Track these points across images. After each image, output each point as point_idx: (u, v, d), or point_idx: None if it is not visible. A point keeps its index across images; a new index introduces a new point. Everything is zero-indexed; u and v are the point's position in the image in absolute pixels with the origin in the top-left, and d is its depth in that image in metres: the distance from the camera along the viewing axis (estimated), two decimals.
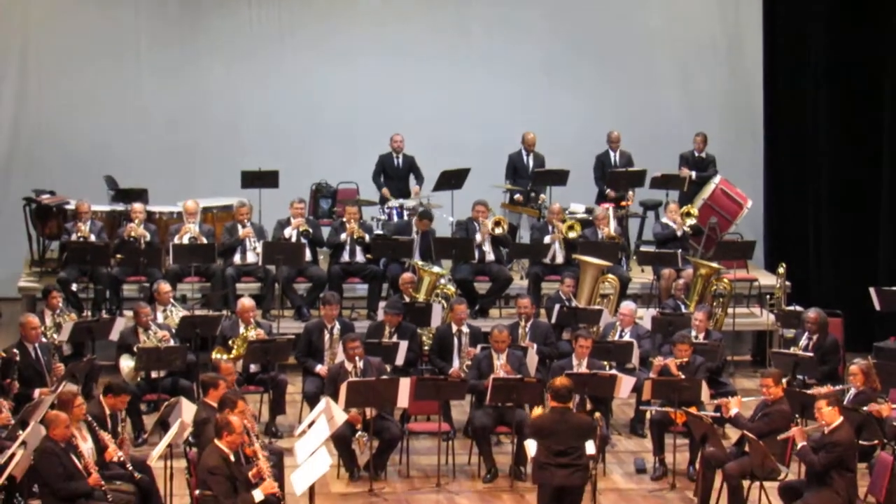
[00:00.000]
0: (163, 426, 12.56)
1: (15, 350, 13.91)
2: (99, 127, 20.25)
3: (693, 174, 19.33)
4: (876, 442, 12.98)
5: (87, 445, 11.78)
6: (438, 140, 19.97)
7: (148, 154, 20.17)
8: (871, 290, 16.47)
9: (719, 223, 18.76)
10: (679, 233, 17.94)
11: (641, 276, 18.33)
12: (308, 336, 15.21)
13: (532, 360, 14.89)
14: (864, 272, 18.10)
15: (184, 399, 12.68)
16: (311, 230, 17.34)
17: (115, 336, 15.26)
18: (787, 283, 17.78)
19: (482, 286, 17.55)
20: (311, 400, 14.35)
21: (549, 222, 17.82)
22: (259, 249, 17.07)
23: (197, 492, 11.40)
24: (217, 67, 20.72)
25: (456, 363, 15.16)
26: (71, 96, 20.34)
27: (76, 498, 11.31)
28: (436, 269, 16.87)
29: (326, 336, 15.15)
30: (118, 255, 17.00)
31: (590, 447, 11.69)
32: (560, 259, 17.66)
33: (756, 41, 20.42)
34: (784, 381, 13.46)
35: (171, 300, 16.04)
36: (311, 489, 11.46)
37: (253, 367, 15.00)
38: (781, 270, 17.65)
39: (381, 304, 16.36)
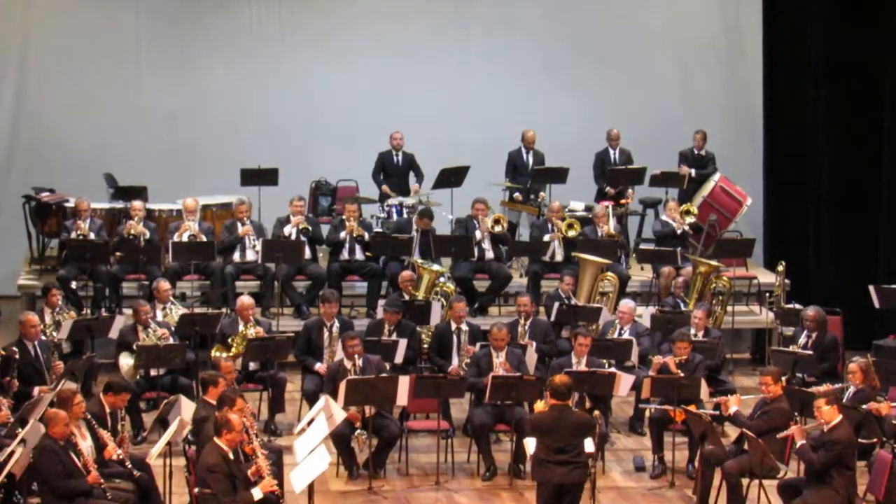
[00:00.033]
0: (162, 424, 12.56)
1: (14, 348, 13.92)
2: (98, 125, 20.25)
3: (692, 172, 19.32)
4: (875, 440, 12.97)
5: (86, 443, 11.78)
6: (438, 138, 19.96)
7: (147, 152, 20.17)
8: (871, 288, 16.48)
9: (719, 221, 18.76)
10: (679, 231, 17.94)
11: (641, 274, 18.33)
12: (307, 334, 15.21)
13: (531, 358, 14.89)
14: (863, 270, 18.10)
15: (183, 397, 12.69)
16: (310, 228, 17.35)
17: (114, 334, 15.26)
18: (787, 280, 17.78)
19: (481, 284, 17.55)
20: (311, 398, 14.36)
21: (548, 220, 17.82)
22: (258, 247, 17.07)
23: (196, 490, 11.40)
24: (217, 66, 20.72)
25: (455, 361, 15.16)
26: (71, 94, 20.34)
27: (75, 496, 11.31)
28: (435, 266, 16.88)
29: (326, 334, 15.15)
30: (118, 253, 17.01)
31: (589, 445, 11.69)
32: (559, 257, 17.66)
33: (756, 39, 20.41)
34: (783, 379, 13.45)
35: (171, 298, 16.04)
36: (311, 487, 11.45)
37: (252, 365, 15.01)
38: (781, 268, 17.64)
39: (381, 301, 16.37)
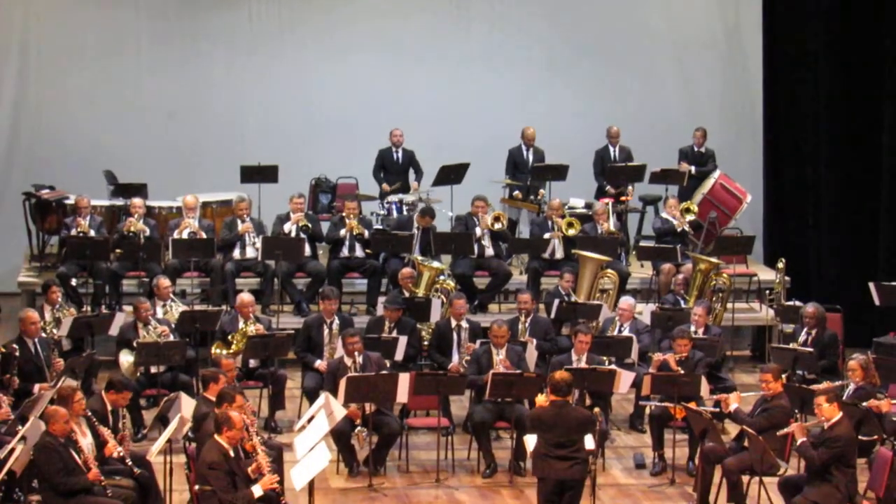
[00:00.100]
0: (162, 421, 12.58)
1: (14, 345, 13.91)
2: (99, 122, 20.25)
3: (692, 169, 19.33)
4: (875, 437, 12.96)
5: (86, 441, 11.78)
6: (438, 135, 19.97)
7: (147, 149, 20.16)
8: (871, 285, 16.48)
9: (719, 218, 18.76)
10: (679, 229, 17.93)
11: (641, 272, 18.34)
12: (307, 331, 15.22)
13: (532, 355, 14.89)
14: (863, 267, 18.10)
15: (183, 394, 12.70)
16: (310, 225, 17.34)
17: (114, 331, 15.26)
18: (787, 278, 17.79)
19: (481, 281, 17.55)
20: (311, 395, 14.36)
21: (548, 218, 17.81)
22: (258, 244, 17.07)
23: (196, 487, 11.39)
24: (217, 63, 20.71)
25: (455, 358, 15.16)
26: (71, 92, 20.34)
27: (76, 493, 11.31)
28: (435, 264, 16.87)
29: (326, 331, 15.15)
30: (118, 250, 17.00)
31: (589, 442, 11.69)
32: (559, 254, 17.65)
33: (756, 36, 20.40)
34: (783, 376, 13.46)
35: (171, 295, 16.04)
36: (311, 484, 11.45)
37: (252, 363, 15.02)
38: (781, 265, 17.64)
39: (381, 299, 16.37)
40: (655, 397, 13.96)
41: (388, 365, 14.39)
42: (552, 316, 16.06)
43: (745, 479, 12.52)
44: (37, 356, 14.10)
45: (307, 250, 17.24)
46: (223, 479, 11.11)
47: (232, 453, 11.28)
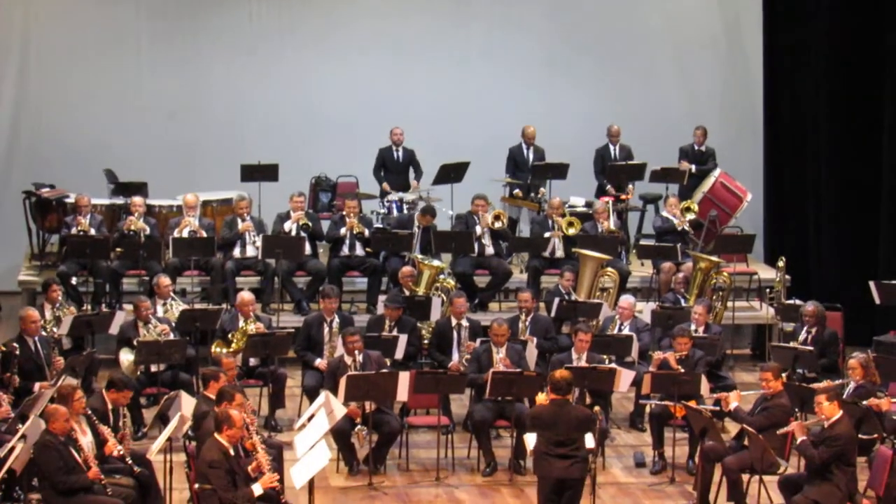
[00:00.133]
0: (162, 420, 12.59)
1: (15, 344, 13.91)
2: (99, 121, 20.25)
3: (693, 167, 19.33)
4: (875, 436, 12.96)
5: (86, 439, 11.78)
6: (438, 134, 19.96)
7: (148, 148, 20.16)
8: (871, 284, 16.48)
9: (719, 217, 18.76)
10: (679, 228, 17.92)
11: (641, 270, 18.34)
12: (307, 330, 15.22)
13: (532, 353, 14.90)
14: (863, 266, 18.09)
15: (183, 393, 12.70)
16: (310, 224, 17.34)
17: (114, 330, 15.26)
18: (787, 276, 17.79)
19: (482, 280, 17.56)
20: (311, 394, 14.36)
21: (548, 217, 17.81)
22: (259, 243, 17.07)
23: (196, 486, 11.39)
24: (217, 62, 20.71)
25: (455, 357, 15.17)
26: (72, 91, 20.34)
27: (76, 491, 11.32)
28: (435, 262, 16.87)
29: (326, 329, 15.15)
30: (118, 249, 17.00)
31: (589, 441, 11.69)
32: (560, 253, 17.65)
33: (756, 34, 20.41)
34: (784, 374, 13.46)
35: (171, 294, 16.04)
36: (311, 483, 11.45)
37: (252, 361, 15.02)
38: (781, 264, 17.65)
39: (381, 297, 16.37)
40: (655, 396, 13.96)
41: (388, 363, 14.39)
42: (552, 314, 16.06)
43: (745, 477, 12.52)
44: (37, 355, 14.10)
45: (307, 249, 17.24)
46: (223, 477, 11.11)
47: (232, 452, 11.28)
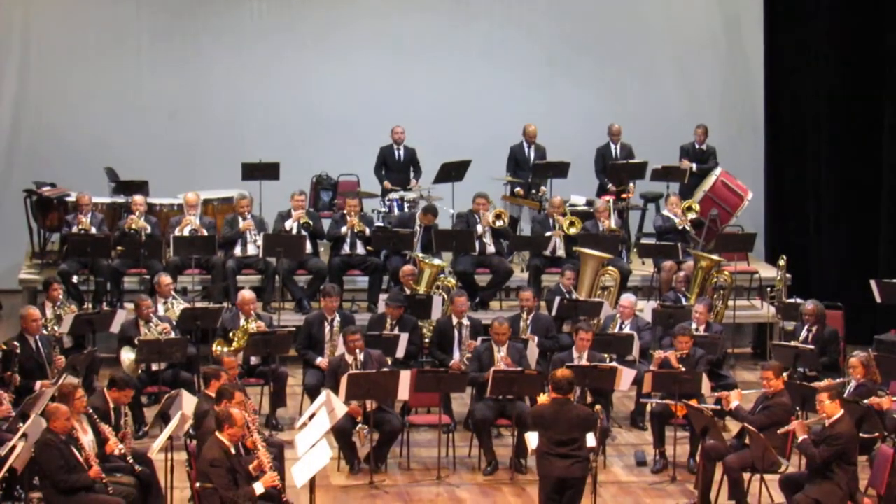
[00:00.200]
0: (163, 418, 12.58)
1: (16, 342, 13.92)
2: (99, 119, 20.26)
3: (694, 166, 19.34)
4: (877, 434, 12.97)
5: (87, 438, 11.79)
6: (439, 132, 19.96)
7: (149, 146, 20.17)
8: (872, 283, 16.47)
9: (720, 215, 18.77)
10: (680, 227, 17.92)
11: (642, 269, 18.34)
12: (308, 328, 15.22)
13: (533, 352, 14.90)
14: (864, 264, 18.10)
15: (184, 391, 12.70)
16: (311, 222, 17.34)
17: (115, 328, 15.26)
18: (788, 275, 17.79)
19: (483, 278, 17.56)
20: (312, 392, 14.36)
21: (549, 215, 17.81)
22: (260, 242, 17.07)
23: (197, 484, 11.39)
24: (218, 61, 20.71)
25: (456, 355, 15.17)
26: (72, 89, 20.35)
27: (77, 490, 11.33)
28: (436, 261, 16.88)
29: (327, 328, 15.16)
30: (119, 248, 17.00)
31: (591, 440, 11.69)
32: (561, 252, 17.65)
33: (757, 33, 20.41)
34: (785, 373, 13.46)
35: (172, 292, 16.04)
36: (312, 482, 11.45)
37: (253, 360, 15.01)
38: (782, 263, 17.66)
39: (382, 296, 16.37)
40: (656, 395, 13.96)
41: (389, 362, 14.40)
42: (553, 313, 16.06)
43: (746, 476, 12.52)
44: (38, 353, 14.11)
45: (308, 248, 17.24)
46: (224, 476, 11.12)
47: (233, 450, 11.28)
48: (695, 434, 13.42)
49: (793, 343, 15.11)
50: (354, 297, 17.55)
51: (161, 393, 14.11)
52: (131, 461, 11.87)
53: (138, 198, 17.43)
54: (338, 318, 15.21)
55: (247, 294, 15.33)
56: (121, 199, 18.13)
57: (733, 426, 13.66)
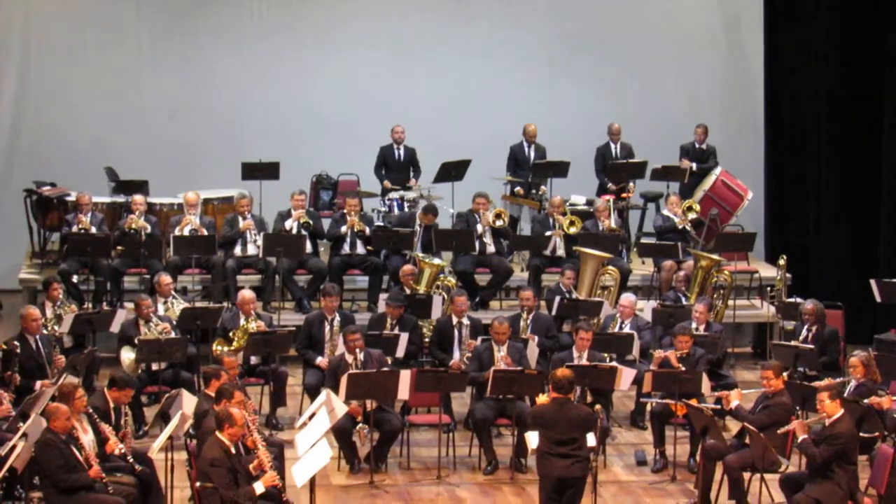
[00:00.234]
0: (163, 418, 12.58)
1: (16, 342, 13.92)
2: (100, 119, 20.25)
3: (694, 166, 19.34)
4: (877, 434, 12.96)
5: (87, 437, 11.79)
6: (439, 132, 19.96)
7: (149, 146, 20.17)
8: (872, 282, 16.47)
9: (720, 215, 18.77)
10: (680, 227, 17.91)
11: (642, 268, 18.34)
12: (308, 328, 15.22)
13: (533, 352, 14.90)
14: (864, 264, 18.10)
15: (184, 391, 12.70)
16: (311, 222, 17.33)
17: (115, 328, 15.26)
18: (788, 275, 17.79)
19: (483, 278, 17.56)
20: (312, 392, 14.36)
21: (549, 215, 17.81)
22: (260, 241, 17.07)
23: (197, 484, 11.39)
24: (218, 60, 20.71)
25: (456, 355, 15.17)
26: (72, 89, 20.34)
27: (77, 490, 11.32)
28: (436, 260, 16.88)
29: (327, 328, 15.16)
30: (119, 247, 17.00)
31: (591, 439, 11.69)
32: (561, 251, 17.65)
33: (757, 32, 20.41)
34: (785, 373, 13.46)
35: (172, 292, 16.03)
36: (312, 481, 11.45)
37: (253, 359, 15.01)
38: (782, 262, 17.66)
39: (382, 295, 16.37)
40: (656, 394, 13.96)
41: (389, 362, 14.40)
42: (553, 313, 16.06)
43: (746, 475, 12.52)
44: (38, 353, 14.10)
45: (308, 247, 17.24)
46: (225, 475, 11.12)
47: (233, 450, 11.28)
48: (695, 433, 13.42)
49: (793, 343, 15.11)
50: (354, 296, 17.55)
51: (161, 392, 14.11)
52: (131, 461, 11.86)
53: (138, 197, 17.43)
54: (338, 318, 15.21)
55: (247, 294, 15.33)
56: (121, 199, 18.13)
57: (733, 426, 13.66)
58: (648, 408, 14.54)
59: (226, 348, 14.84)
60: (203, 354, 15.16)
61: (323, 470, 12.11)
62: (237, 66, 20.70)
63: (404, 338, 14.89)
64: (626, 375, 13.86)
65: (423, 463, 14.07)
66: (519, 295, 16.05)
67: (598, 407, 13.04)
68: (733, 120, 21.12)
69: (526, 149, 19.23)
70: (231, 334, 15.08)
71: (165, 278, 15.95)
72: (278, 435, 14.07)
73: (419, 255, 16.94)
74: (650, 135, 19.91)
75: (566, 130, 20.07)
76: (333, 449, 12.82)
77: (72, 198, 17.81)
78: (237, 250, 17.31)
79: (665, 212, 18.30)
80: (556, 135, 19.51)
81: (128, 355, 14.81)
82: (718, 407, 13.27)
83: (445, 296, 16.35)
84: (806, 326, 15.34)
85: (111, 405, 12.43)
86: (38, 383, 13.63)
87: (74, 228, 17.12)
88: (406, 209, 18.35)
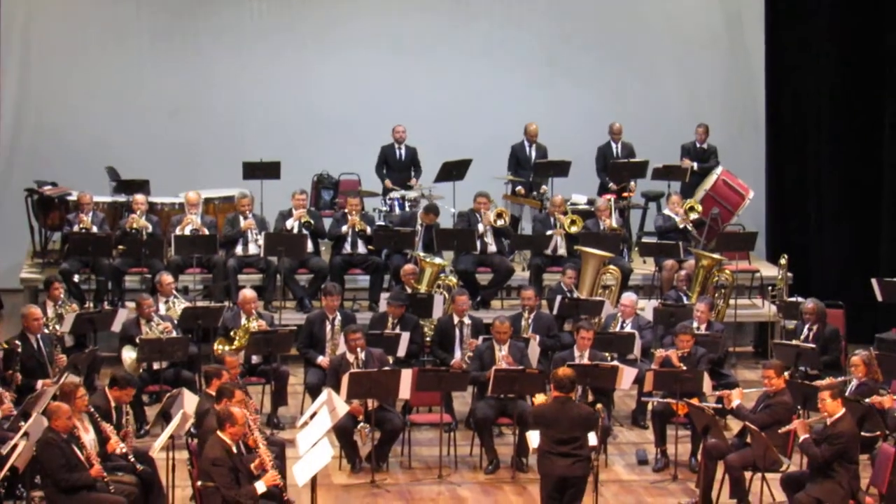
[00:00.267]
0: (165, 417, 12.58)
1: (17, 341, 13.93)
2: (100, 119, 20.25)
3: (695, 165, 19.33)
4: (878, 433, 12.97)
5: (89, 437, 11.79)
6: (441, 131, 19.96)
7: (150, 145, 20.16)
8: (873, 281, 16.47)
9: (721, 214, 18.76)
10: (681, 226, 17.91)
11: (643, 268, 18.34)
12: (310, 327, 15.22)
13: (534, 351, 14.90)
14: (865, 263, 18.11)
15: (186, 390, 12.69)
16: (312, 221, 17.33)
17: (117, 327, 15.26)
18: (789, 274, 17.79)
19: (484, 277, 17.56)
20: (313, 391, 14.37)
21: (550, 214, 17.81)
22: (261, 241, 17.07)
23: (199, 483, 11.39)
24: (219, 59, 20.70)
25: (458, 354, 15.17)
26: (73, 88, 20.34)
27: (78, 489, 11.33)
28: (437, 260, 16.88)
29: (328, 327, 15.16)
30: (120, 247, 17.00)
31: (592, 439, 11.69)
32: (562, 250, 17.64)
33: (758, 32, 20.43)
34: (786, 372, 13.46)
35: (173, 291, 16.03)
36: (313, 481, 11.44)
37: (255, 359, 15.01)
38: (783, 262, 17.65)
39: (383, 295, 16.37)
40: (658, 393, 13.96)
41: (390, 361, 14.40)
42: (555, 312, 16.07)
43: (747, 475, 12.51)
44: (39, 352, 14.11)
45: (309, 247, 17.23)
46: (226, 475, 11.11)
47: (234, 449, 11.28)
48: (696, 433, 13.41)
49: (794, 342, 15.10)
50: (356, 295, 17.56)
51: (162, 392, 14.10)
52: (133, 460, 11.86)
53: (139, 197, 17.44)
54: (339, 317, 15.21)
55: (248, 293, 15.34)
56: (122, 199, 18.13)
57: (735, 425, 13.64)
58: (650, 407, 14.53)
59: (227, 347, 14.84)
60: (204, 354, 15.16)
61: (324, 469, 12.11)
62: (237, 66, 20.69)
63: (405, 337, 14.88)
64: (627, 375, 13.86)
65: (424, 462, 14.07)
66: (520, 294, 16.05)
67: (599, 406, 13.00)
68: (734, 119, 21.12)
69: (527, 148, 19.23)
70: (232, 333, 15.09)
71: (167, 278, 15.95)
72: (279, 434, 14.07)
73: (420, 255, 16.94)
74: (651, 134, 19.91)
75: (567, 130, 20.07)
76: (335, 448, 12.81)
77: (73, 197, 17.81)
78: (238, 250, 17.31)
79: (666, 211, 18.30)
80: (556, 134, 19.50)
81: (129, 354, 14.81)
82: (720, 406, 13.27)
83: (447, 295, 16.35)
84: (807, 326, 15.34)
85: (112, 404, 12.43)
86: (40, 382, 13.64)
87: (76, 228, 17.12)
88: (407, 209, 18.35)
